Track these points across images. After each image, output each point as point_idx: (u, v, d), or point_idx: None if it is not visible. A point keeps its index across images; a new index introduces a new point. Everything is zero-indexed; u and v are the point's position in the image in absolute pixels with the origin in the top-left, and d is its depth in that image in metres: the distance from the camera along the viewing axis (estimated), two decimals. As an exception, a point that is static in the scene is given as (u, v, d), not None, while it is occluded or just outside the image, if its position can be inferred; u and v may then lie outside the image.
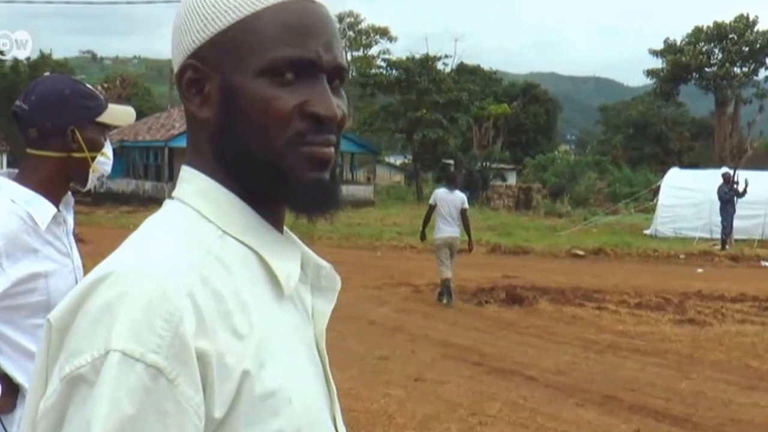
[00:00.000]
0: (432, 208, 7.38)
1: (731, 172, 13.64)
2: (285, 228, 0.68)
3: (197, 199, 0.63)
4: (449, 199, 7.29)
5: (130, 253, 0.59)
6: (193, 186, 0.64)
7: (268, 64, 0.61)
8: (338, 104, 0.63)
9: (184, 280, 0.56)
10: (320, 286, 0.70)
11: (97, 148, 1.46)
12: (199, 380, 0.54)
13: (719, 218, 13.22)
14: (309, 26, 0.62)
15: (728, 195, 13.07)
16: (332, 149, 0.64)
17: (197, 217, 0.62)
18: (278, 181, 0.62)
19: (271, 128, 0.61)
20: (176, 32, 0.65)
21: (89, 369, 0.52)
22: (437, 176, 28.63)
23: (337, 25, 0.66)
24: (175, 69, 0.66)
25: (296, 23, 0.62)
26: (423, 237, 7.74)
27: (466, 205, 7.38)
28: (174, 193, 0.65)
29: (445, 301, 7.34)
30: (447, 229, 7.24)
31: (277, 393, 0.58)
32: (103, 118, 1.47)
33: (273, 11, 0.62)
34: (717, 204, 13.27)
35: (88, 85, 1.52)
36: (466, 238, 7.40)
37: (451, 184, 7.63)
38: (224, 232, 0.62)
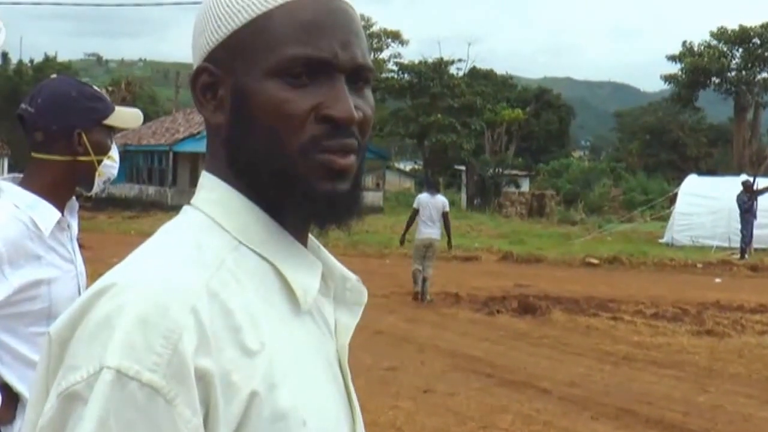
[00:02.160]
0: (416, 212, 7.91)
1: (751, 179, 13.40)
2: (310, 236, 0.65)
3: (214, 207, 0.61)
4: (431, 203, 7.83)
5: (136, 264, 0.56)
6: (211, 193, 0.62)
7: (279, 64, 0.58)
8: (359, 105, 0.60)
9: (188, 295, 0.53)
10: (344, 298, 0.66)
11: (103, 151, 1.43)
12: (198, 401, 0.51)
13: (738, 226, 12.99)
14: (324, 23, 0.59)
15: (748, 203, 12.84)
16: (352, 157, 0.60)
17: (213, 227, 0.60)
18: (289, 190, 0.59)
19: (282, 133, 0.58)
20: (194, 34, 0.64)
21: (84, 386, 0.50)
22: (447, 182, 28.59)
23: (359, 22, 0.62)
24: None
25: (310, 20, 0.59)
26: (402, 241, 8.44)
27: (447, 208, 7.92)
28: (192, 200, 0.63)
29: (416, 289, 7.88)
30: (425, 231, 7.80)
31: (290, 415, 0.55)
32: (110, 120, 1.44)
33: (287, 9, 0.59)
34: (735, 212, 13.05)
35: (95, 87, 1.49)
36: (446, 239, 7.97)
37: (432, 189, 8.22)
38: (240, 242, 0.59)
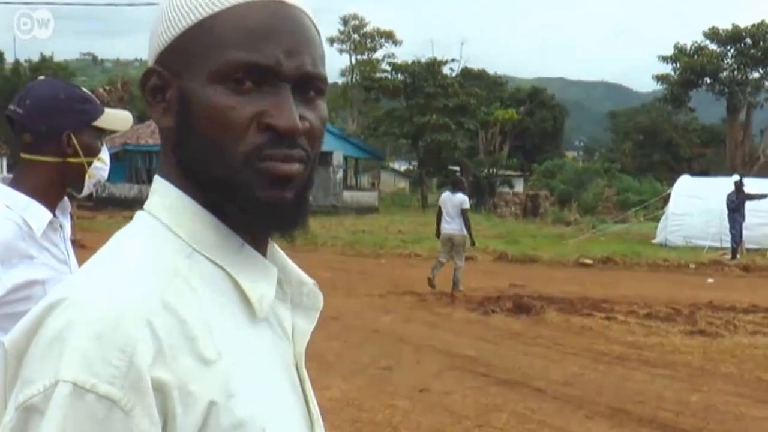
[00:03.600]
0: (440, 210, 8.68)
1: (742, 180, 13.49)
2: (270, 241, 0.64)
3: (167, 212, 0.60)
4: (449, 199, 8.58)
5: (88, 277, 0.56)
6: (164, 199, 0.61)
7: (220, 69, 0.57)
8: (305, 116, 0.58)
9: (142, 307, 0.53)
10: (301, 303, 0.66)
11: (93, 153, 1.43)
12: (156, 412, 0.51)
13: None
14: (270, 29, 0.57)
15: (735, 203, 12.91)
16: (296, 165, 0.58)
17: (166, 233, 0.59)
18: (232, 197, 0.58)
19: (226, 140, 0.57)
20: (149, 36, 0.63)
21: (41, 399, 0.50)
22: (440, 182, 28.67)
23: (314, 29, 0.61)
24: None
25: (256, 25, 0.57)
26: (438, 234, 8.84)
27: (466, 206, 8.52)
28: (146, 205, 0.62)
29: (431, 275, 8.48)
30: (446, 226, 8.52)
31: (249, 423, 0.55)
32: (100, 122, 1.44)
33: (234, 12, 0.57)
34: (726, 212, 13.12)
35: (85, 89, 1.49)
36: (469, 234, 8.63)
37: (455, 188, 8.80)
38: (193, 249, 0.58)
